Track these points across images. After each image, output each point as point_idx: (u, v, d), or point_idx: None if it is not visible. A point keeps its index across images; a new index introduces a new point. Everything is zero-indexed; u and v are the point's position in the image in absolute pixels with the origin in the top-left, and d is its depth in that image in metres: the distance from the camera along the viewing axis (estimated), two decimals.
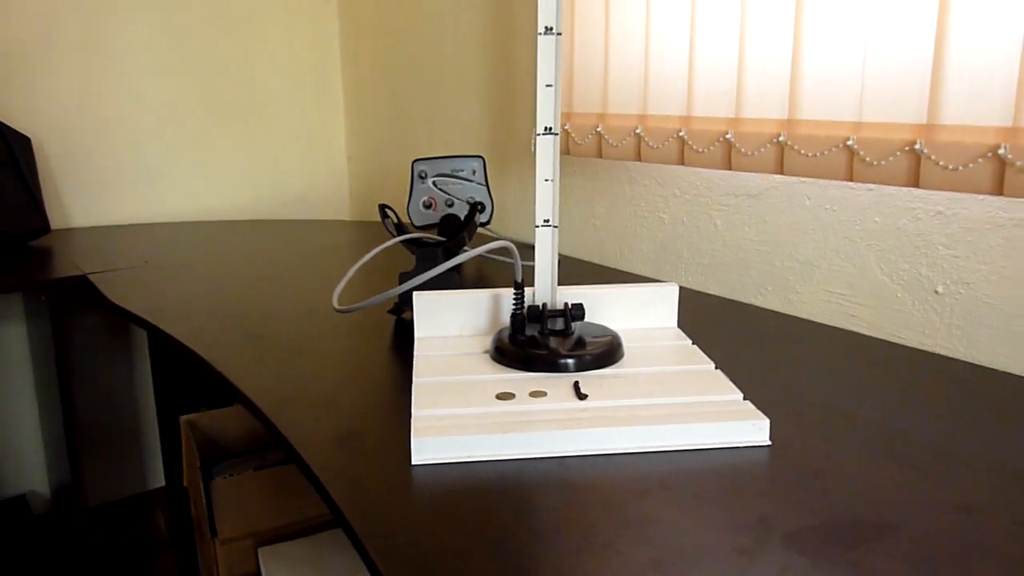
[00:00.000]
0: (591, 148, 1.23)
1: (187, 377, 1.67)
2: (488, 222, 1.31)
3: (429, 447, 0.64)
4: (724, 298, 1.14)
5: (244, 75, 1.90)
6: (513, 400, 0.71)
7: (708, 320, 1.02)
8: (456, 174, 1.29)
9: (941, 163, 0.80)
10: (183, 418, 1.37)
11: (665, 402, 0.71)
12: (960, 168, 0.79)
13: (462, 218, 1.25)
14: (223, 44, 1.83)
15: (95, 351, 1.83)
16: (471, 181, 1.30)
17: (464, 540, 0.53)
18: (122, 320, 1.88)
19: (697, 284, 1.20)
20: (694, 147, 1.06)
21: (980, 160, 0.77)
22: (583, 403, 0.70)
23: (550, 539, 0.53)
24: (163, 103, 1.80)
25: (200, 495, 1.24)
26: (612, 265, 1.35)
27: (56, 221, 1.70)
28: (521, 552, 0.52)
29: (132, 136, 1.78)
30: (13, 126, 1.55)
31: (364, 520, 0.56)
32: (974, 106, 0.77)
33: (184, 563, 1.53)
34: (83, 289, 1.28)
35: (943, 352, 0.91)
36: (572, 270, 1.29)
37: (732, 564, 0.50)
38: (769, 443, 0.67)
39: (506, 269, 1.28)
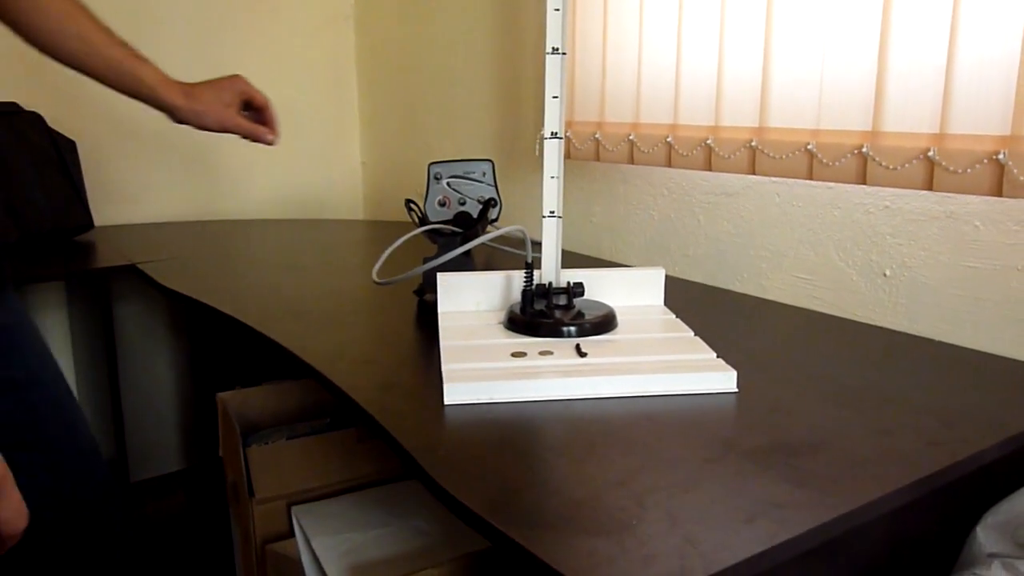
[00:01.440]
0: (589, 152, 1.39)
1: (222, 358, 1.81)
2: (496, 219, 1.45)
3: (458, 391, 0.79)
4: (705, 285, 1.29)
5: (268, 87, 2.04)
6: (525, 357, 0.86)
7: (691, 302, 1.17)
8: (468, 176, 1.44)
9: (883, 164, 0.95)
10: (219, 395, 1.50)
11: (651, 359, 0.85)
12: (899, 168, 0.94)
13: (474, 215, 1.40)
14: (249, 59, 1.98)
15: (134, 336, 1.97)
16: (481, 182, 1.44)
17: (490, 453, 0.68)
18: (157, 309, 2.02)
19: (682, 273, 1.35)
20: (679, 151, 1.21)
21: (914, 161, 0.92)
22: (583, 359, 0.85)
23: (558, 453, 0.68)
24: None
25: (239, 462, 1.37)
26: (608, 258, 1.50)
27: (98, 218, 1.85)
28: (535, 460, 0.67)
29: (168, 141, 1.93)
30: (61, 131, 1.69)
31: (411, 440, 0.71)
32: (908, 115, 0.93)
33: (218, 526, 1.67)
34: (132, 276, 1.43)
35: (890, 326, 1.05)
36: (572, 263, 1.43)
37: (700, 468, 0.65)
38: (736, 390, 0.82)
39: (512, 261, 1.43)
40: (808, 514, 0.58)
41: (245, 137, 1.11)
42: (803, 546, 0.56)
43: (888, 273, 1.05)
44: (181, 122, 1.07)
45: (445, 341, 0.91)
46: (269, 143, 1.11)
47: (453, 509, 0.60)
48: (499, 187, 1.45)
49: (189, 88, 1.04)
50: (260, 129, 1.10)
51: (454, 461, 0.67)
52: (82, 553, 0.93)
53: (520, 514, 0.58)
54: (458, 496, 0.60)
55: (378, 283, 1.09)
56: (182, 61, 1.89)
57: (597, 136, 1.36)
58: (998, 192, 0.86)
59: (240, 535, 1.46)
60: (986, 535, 0.77)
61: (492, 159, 1.43)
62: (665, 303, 1.06)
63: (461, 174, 1.44)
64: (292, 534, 1.27)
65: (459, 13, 1.81)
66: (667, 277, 1.27)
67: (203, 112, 1.04)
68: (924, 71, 0.91)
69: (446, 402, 0.78)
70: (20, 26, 0.96)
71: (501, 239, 1.55)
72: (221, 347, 1.86)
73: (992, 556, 0.76)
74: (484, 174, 1.44)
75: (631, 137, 1.30)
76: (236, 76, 1.10)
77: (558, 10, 0.94)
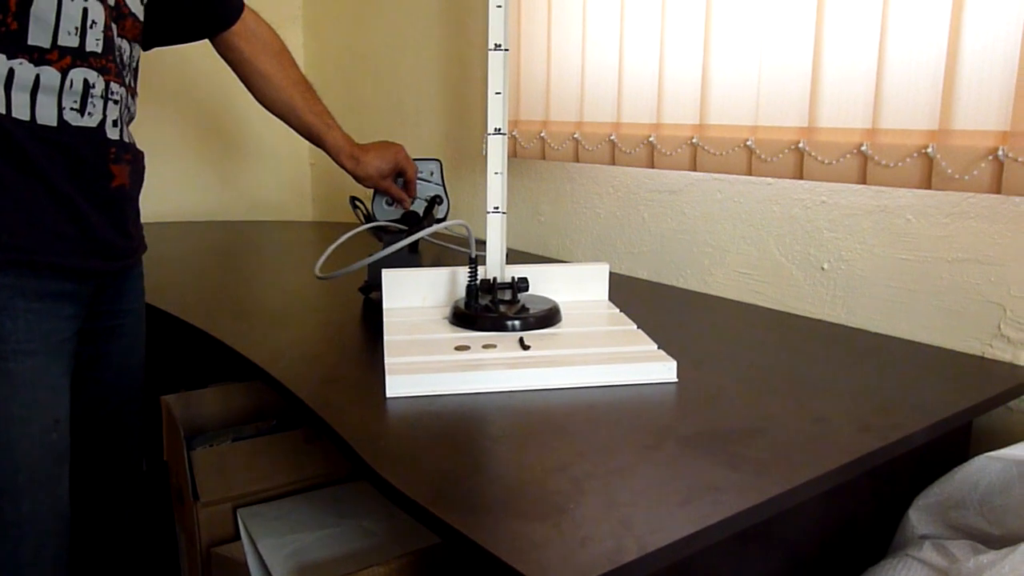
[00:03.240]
0: (535, 151, 1.40)
1: (166, 360, 1.77)
2: (445, 217, 1.45)
3: (400, 383, 0.79)
4: (650, 281, 1.31)
5: (216, 90, 2.03)
6: (469, 351, 0.86)
7: (635, 298, 1.18)
8: (416, 175, 1.44)
9: (819, 158, 0.97)
10: (164, 398, 1.48)
11: (594, 351, 0.86)
12: (833, 163, 0.96)
13: (421, 213, 1.40)
14: (198, 61, 1.96)
15: None
16: (429, 182, 1.44)
17: (430, 443, 0.68)
18: None
19: (628, 270, 1.37)
20: (623, 149, 1.23)
21: (848, 155, 0.95)
22: (527, 352, 0.85)
23: (499, 442, 0.68)
24: (148, 119, 1.92)
25: (183, 465, 1.35)
26: (555, 256, 1.51)
27: None
28: (476, 449, 0.67)
29: None
30: None
31: (351, 432, 0.70)
32: (842, 111, 0.95)
33: (163, 531, 1.64)
34: None
35: (828, 319, 1.08)
36: (519, 261, 1.44)
37: (638, 454, 0.66)
38: (676, 380, 0.83)
39: (461, 258, 1.43)
40: (742, 496, 0.59)
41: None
42: (737, 526, 0.57)
43: (826, 267, 1.07)
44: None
45: (389, 336, 0.91)
46: (404, 208, 1.34)
47: (392, 497, 0.60)
48: (448, 186, 1.46)
49: (359, 155, 1.29)
50: (404, 199, 1.33)
51: (395, 451, 0.66)
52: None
53: (459, 500, 0.58)
54: (397, 484, 0.60)
55: (320, 278, 1.08)
56: (142, 72, 1.86)
57: (543, 135, 1.37)
58: (927, 185, 0.88)
59: (185, 539, 1.43)
60: (918, 517, 0.79)
61: (440, 159, 1.43)
62: (610, 299, 1.07)
63: None
64: (238, 537, 1.25)
65: (407, 14, 1.81)
66: (613, 274, 1.28)
67: (365, 178, 1.29)
68: (856, 68, 0.94)
69: (388, 395, 0.78)
70: (250, 86, 1.29)
71: (451, 238, 1.55)
72: (165, 349, 1.83)
73: (924, 538, 0.78)
74: (432, 173, 1.44)
75: (576, 135, 1.31)
76: (398, 147, 1.32)
77: (500, 7, 0.94)
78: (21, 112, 0.81)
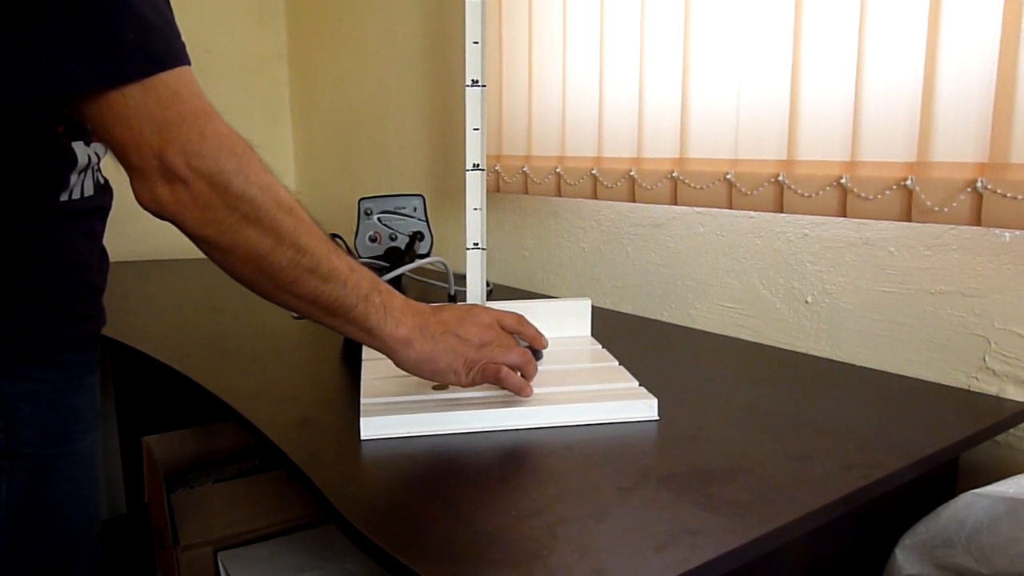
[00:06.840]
0: (518, 186, 1.39)
1: (147, 402, 1.75)
2: (428, 253, 1.45)
3: (375, 425, 0.77)
4: (635, 315, 1.30)
5: None
6: (447, 390, 0.85)
7: (619, 333, 1.17)
8: (399, 211, 1.43)
9: (799, 191, 0.97)
10: (145, 439, 1.46)
11: (573, 389, 0.85)
12: (813, 195, 0.96)
13: (403, 249, 1.39)
14: None
15: None
16: (412, 217, 1.44)
17: (404, 487, 0.66)
18: None
19: (613, 305, 1.36)
20: (604, 183, 1.22)
21: (828, 188, 0.94)
22: (505, 391, 0.84)
23: (474, 485, 0.67)
24: None
25: (163, 507, 1.33)
26: (540, 291, 1.50)
27: None
28: (450, 493, 0.65)
29: None
30: None
31: (322, 476, 0.69)
32: (821, 144, 0.95)
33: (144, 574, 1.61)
34: None
35: (813, 353, 1.07)
36: (504, 296, 1.43)
37: (616, 497, 0.64)
38: (657, 418, 0.81)
39: (444, 295, 1.42)
40: (720, 540, 0.57)
41: None
42: (715, 572, 0.56)
43: (810, 300, 1.06)
44: None
45: (366, 375, 0.90)
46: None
47: (360, 544, 0.59)
48: (431, 222, 1.45)
49: None
50: None
51: (366, 497, 0.65)
52: None
53: (430, 548, 0.56)
54: (364, 530, 0.59)
55: (296, 318, 1.07)
56: None
57: (525, 169, 1.37)
58: (908, 217, 0.88)
59: None
60: (905, 556, 0.77)
61: (424, 194, 1.43)
62: (593, 334, 1.06)
63: (392, 209, 1.43)
64: None
65: (391, 50, 1.81)
66: (597, 308, 1.27)
67: None
68: (834, 101, 0.94)
69: (362, 437, 0.77)
70: None
71: (434, 274, 1.54)
72: (147, 390, 1.81)
73: None
74: (415, 209, 1.44)
75: (558, 170, 1.31)
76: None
77: (476, 43, 0.94)
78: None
